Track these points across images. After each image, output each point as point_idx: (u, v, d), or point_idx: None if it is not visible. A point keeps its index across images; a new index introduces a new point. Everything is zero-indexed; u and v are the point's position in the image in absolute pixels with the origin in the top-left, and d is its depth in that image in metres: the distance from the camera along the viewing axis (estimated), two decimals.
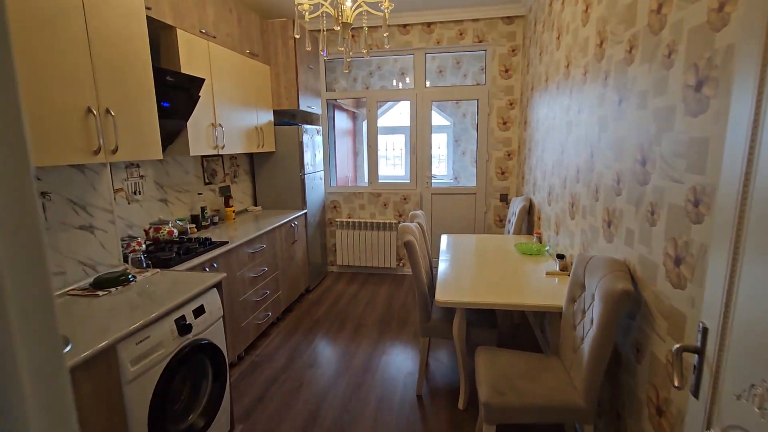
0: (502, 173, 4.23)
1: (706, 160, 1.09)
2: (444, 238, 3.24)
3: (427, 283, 2.36)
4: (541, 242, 2.94)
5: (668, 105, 1.28)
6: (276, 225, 3.22)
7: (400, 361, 2.77)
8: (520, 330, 3.13)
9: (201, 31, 2.66)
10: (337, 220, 4.55)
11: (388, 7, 2.24)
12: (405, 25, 4.11)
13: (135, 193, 2.51)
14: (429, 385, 2.48)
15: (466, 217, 4.42)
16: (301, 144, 3.78)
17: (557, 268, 2.31)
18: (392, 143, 7.42)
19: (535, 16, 3.40)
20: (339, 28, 2.21)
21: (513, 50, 3.98)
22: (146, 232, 2.49)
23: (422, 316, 2.29)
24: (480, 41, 4.02)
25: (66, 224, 1.78)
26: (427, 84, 4.32)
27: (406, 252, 2.23)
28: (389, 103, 6.88)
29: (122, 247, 2.21)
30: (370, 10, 2.29)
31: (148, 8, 2.18)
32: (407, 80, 6.08)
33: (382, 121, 7.10)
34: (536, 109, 3.29)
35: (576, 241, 2.22)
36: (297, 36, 2.16)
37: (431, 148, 4.40)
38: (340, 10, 2.21)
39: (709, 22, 1.08)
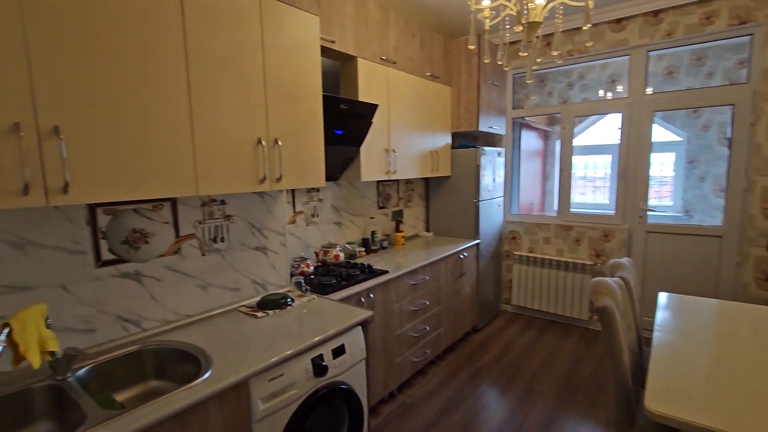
0: None
1: None
2: (663, 297, 2.33)
3: (631, 368, 1.65)
4: None
5: None
6: (441, 257, 2.96)
7: None
8: None
9: (381, 58, 2.68)
10: (515, 253, 3.99)
11: None
12: (619, 20, 3.30)
13: (313, 216, 2.67)
14: None
15: (702, 269, 3.18)
16: (477, 168, 3.44)
17: None
18: (593, 165, 6.22)
19: None
20: (522, 29, 1.81)
21: None
22: (317, 254, 2.61)
23: (620, 417, 1.60)
24: (741, 23, 2.85)
25: (244, 245, 1.95)
26: (649, 90, 3.35)
27: (600, 321, 1.60)
28: (592, 118, 5.81)
29: (293, 267, 2.34)
30: (566, 1, 1.81)
31: (331, 41, 2.28)
32: (619, 88, 4.99)
33: (582, 140, 6.05)
34: None
35: None
36: (472, 47, 1.87)
37: (649, 171, 3.37)
38: (525, 7, 1.81)
39: None
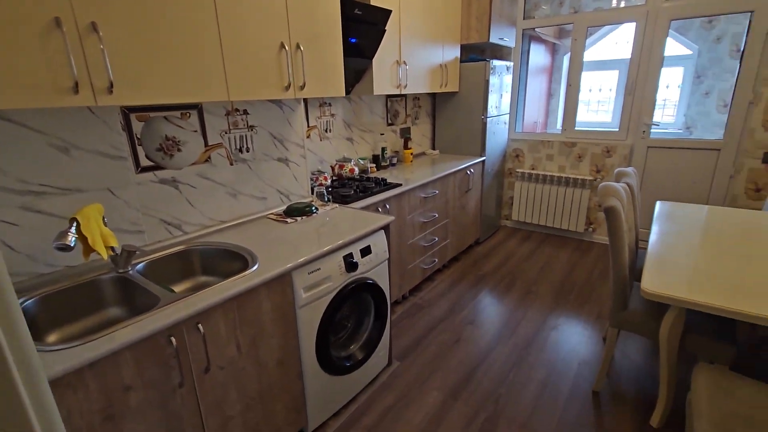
0: None
1: None
2: (659, 206, 2.49)
3: (629, 264, 1.84)
4: None
5: None
6: (450, 171, 3.05)
7: (575, 343, 2.37)
8: (766, 347, 2.25)
9: None
10: (517, 170, 4.09)
11: None
12: None
13: (326, 131, 2.69)
14: (611, 383, 2.04)
15: (699, 181, 3.32)
16: (486, 83, 3.39)
17: None
18: (600, 83, 6.09)
19: None
20: None
21: None
22: (332, 168, 2.68)
23: (615, 303, 1.83)
24: None
25: (267, 156, 2.01)
26: None
27: (607, 220, 1.75)
28: (604, 30, 5.55)
29: (311, 180, 2.43)
30: None
31: None
32: None
33: (590, 55, 5.85)
34: None
35: None
36: None
37: (658, 85, 3.36)
38: None
39: None
